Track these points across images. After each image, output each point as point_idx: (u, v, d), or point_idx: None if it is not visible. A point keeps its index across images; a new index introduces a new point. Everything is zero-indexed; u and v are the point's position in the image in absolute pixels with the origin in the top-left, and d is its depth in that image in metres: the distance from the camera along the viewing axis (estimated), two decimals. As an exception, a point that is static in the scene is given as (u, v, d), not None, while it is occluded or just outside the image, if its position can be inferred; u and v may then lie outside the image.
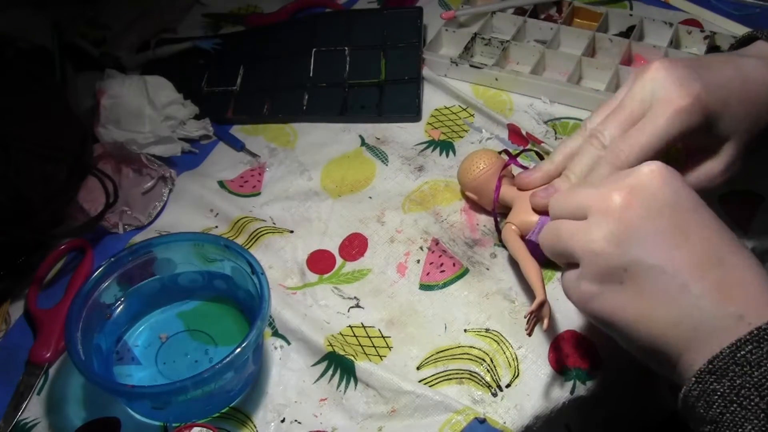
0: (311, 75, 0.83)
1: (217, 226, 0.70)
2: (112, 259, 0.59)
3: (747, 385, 0.41)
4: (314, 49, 0.85)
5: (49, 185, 0.67)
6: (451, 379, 0.57)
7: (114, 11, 0.91)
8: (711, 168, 0.59)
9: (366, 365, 0.58)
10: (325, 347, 0.59)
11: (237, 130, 0.80)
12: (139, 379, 0.59)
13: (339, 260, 0.66)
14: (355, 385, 0.58)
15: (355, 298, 0.63)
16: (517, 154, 0.67)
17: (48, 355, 0.61)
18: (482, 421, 0.54)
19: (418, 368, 0.58)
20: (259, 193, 0.73)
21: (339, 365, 0.59)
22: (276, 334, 0.62)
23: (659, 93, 0.56)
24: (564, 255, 0.50)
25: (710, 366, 0.42)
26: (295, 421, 0.57)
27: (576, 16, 0.86)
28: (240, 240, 0.68)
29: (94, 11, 0.90)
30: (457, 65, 0.80)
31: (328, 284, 0.65)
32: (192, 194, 0.73)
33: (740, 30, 0.83)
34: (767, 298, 0.43)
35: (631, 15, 0.84)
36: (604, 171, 0.57)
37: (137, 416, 0.57)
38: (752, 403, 0.41)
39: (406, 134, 0.77)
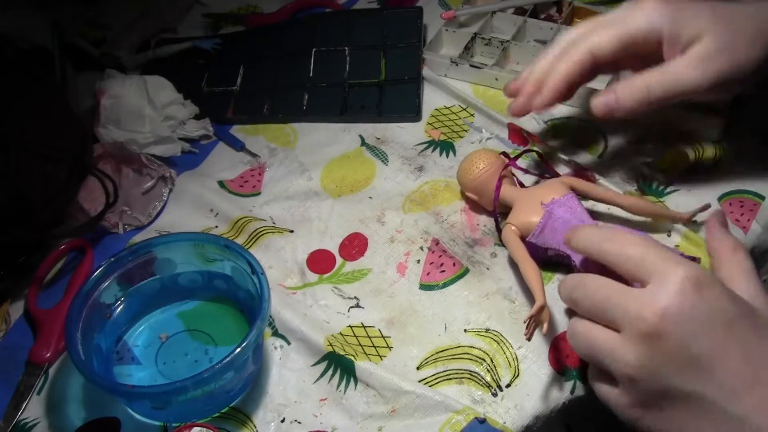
0: (311, 75, 0.83)
1: (217, 226, 0.70)
2: (112, 259, 0.59)
3: None
4: (314, 49, 0.85)
5: (49, 185, 0.67)
6: (451, 379, 0.57)
7: (114, 11, 0.91)
8: (678, 65, 0.57)
9: (366, 365, 0.58)
10: (325, 347, 0.59)
11: (237, 130, 0.80)
12: (139, 379, 0.59)
13: (339, 260, 0.66)
14: (355, 385, 0.58)
15: (355, 297, 0.63)
16: (517, 156, 0.67)
17: (48, 355, 0.61)
18: (482, 421, 0.54)
19: (418, 368, 0.58)
20: (259, 193, 0.73)
21: (339, 365, 0.59)
22: (276, 334, 0.62)
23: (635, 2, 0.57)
24: (600, 367, 0.49)
25: None
26: (295, 421, 0.57)
27: (576, 16, 0.86)
28: (240, 240, 0.68)
29: (94, 11, 0.90)
30: (457, 65, 0.80)
31: (328, 284, 0.65)
32: (192, 194, 0.73)
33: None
34: None
35: (631, 15, 0.84)
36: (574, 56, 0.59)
37: (137, 416, 0.57)
38: None
39: (406, 134, 0.77)
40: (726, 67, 0.56)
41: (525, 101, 0.64)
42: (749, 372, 0.44)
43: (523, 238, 0.61)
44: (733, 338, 0.44)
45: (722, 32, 0.56)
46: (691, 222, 0.64)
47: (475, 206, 0.68)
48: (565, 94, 0.62)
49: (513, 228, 0.61)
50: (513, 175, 0.67)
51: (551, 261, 0.62)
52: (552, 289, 0.61)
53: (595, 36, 0.58)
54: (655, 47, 0.58)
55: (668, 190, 0.68)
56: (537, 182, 0.69)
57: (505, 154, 0.66)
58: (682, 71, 0.57)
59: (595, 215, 0.65)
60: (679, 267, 0.45)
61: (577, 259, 0.58)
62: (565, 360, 0.58)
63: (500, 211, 0.65)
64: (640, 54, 0.59)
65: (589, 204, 0.65)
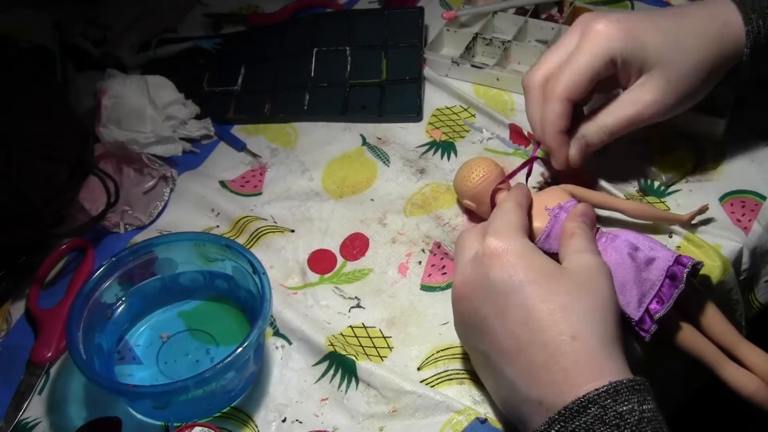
0: (312, 75, 0.83)
1: (218, 226, 0.70)
2: (113, 258, 0.59)
3: None
4: (315, 49, 0.85)
5: (50, 185, 0.67)
6: (452, 379, 0.57)
7: (115, 11, 0.91)
8: (634, 96, 0.62)
9: (367, 365, 0.58)
10: (326, 347, 0.59)
11: (238, 130, 0.80)
12: (141, 379, 0.59)
13: (340, 260, 0.66)
14: (356, 385, 0.58)
15: (356, 298, 0.63)
16: (515, 172, 0.65)
17: (49, 354, 0.61)
18: (483, 422, 0.54)
19: (419, 368, 0.58)
20: (260, 193, 0.73)
21: (340, 365, 0.59)
22: (277, 333, 0.62)
23: (585, 29, 0.62)
24: None
25: None
26: (297, 420, 0.57)
27: (577, 16, 0.86)
28: (241, 239, 0.68)
29: (95, 11, 0.90)
30: (458, 65, 0.80)
31: (329, 284, 0.65)
32: (193, 194, 0.73)
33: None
34: (566, 383, 0.46)
35: (632, 15, 0.84)
36: (543, 112, 0.63)
37: (138, 416, 0.57)
38: None
39: (407, 134, 0.77)
40: (672, 99, 0.61)
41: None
42: (525, 337, 0.48)
43: None
44: (517, 304, 0.48)
45: (668, 63, 0.61)
46: (690, 224, 0.64)
47: (474, 214, 0.68)
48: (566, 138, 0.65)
49: None
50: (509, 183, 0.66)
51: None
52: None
53: (564, 80, 0.62)
54: (614, 71, 0.62)
55: (669, 190, 0.68)
56: (538, 189, 0.69)
57: (508, 175, 0.66)
58: (631, 108, 0.62)
59: (596, 219, 0.65)
60: (485, 240, 0.51)
61: None
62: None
63: None
64: (607, 76, 0.63)
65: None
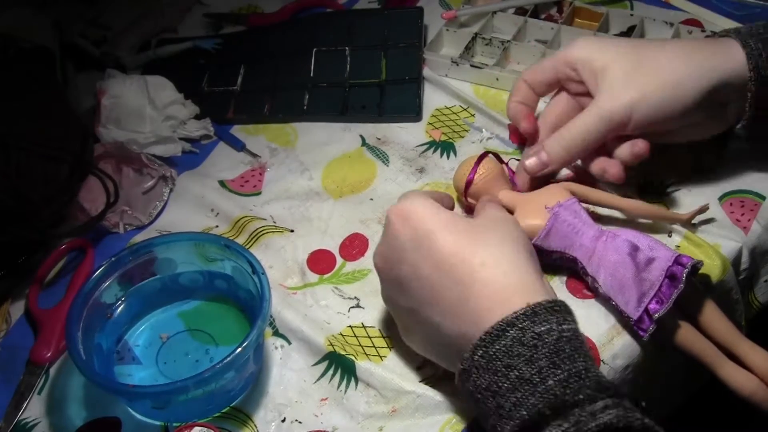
0: (312, 75, 0.83)
1: (217, 226, 0.70)
2: (113, 258, 0.59)
3: (482, 385, 0.46)
4: (315, 49, 0.85)
5: (50, 185, 0.67)
6: (451, 379, 0.57)
7: (115, 11, 0.91)
8: (594, 104, 0.62)
9: (366, 365, 0.58)
10: (326, 347, 0.59)
11: (237, 130, 0.80)
12: (140, 379, 0.59)
13: (339, 260, 0.66)
14: (356, 384, 0.58)
15: (355, 298, 0.63)
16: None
17: (49, 354, 0.61)
18: (483, 421, 0.54)
19: (418, 368, 0.58)
20: (259, 193, 0.73)
21: (339, 365, 0.59)
22: (277, 333, 0.62)
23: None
24: None
25: (461, 367, 0.47)
26: (296, 420, 0.57)
27: (577, 16, 0.86)
28: (240, 239, 0.68)
29: (95, 11, 0.90)
30: (457, 65, 0.80)
31: (328, 284, 0.65)
32: (192, 194, 0.73)
33: (741, 30, 0.83)
34: (483, 309, 0.47)
35: (631, 15, 0.84)
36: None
37: (138, 416, 0.57)
38: (488, 401, 0.46)
39: (406, 134, 0.77)
40: (636, 96, 0.60)
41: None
42: (438, 278, 0.49)
43: None
44: (426, 254, 0.50)
45: (628, 63, 0.61)
46: (689, 223, 0.64)
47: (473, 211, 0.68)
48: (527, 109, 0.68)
49: None
50: (509, 179, 0.66)
51: (555, 264, 0.62)
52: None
53: (530, 72, 0.67)
54: (575, 75, 0.64)
55: (669, 189, 0.68)
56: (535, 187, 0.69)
57: (498, 157, 0.66)
58: (591, 110, 0.62)
59: (596, 217, 0.65)
60: (398, 203, 0.53)
61: (583, 262, 0.58)
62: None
63: None
64: (569, 80, 0.65)
65: (589, 205, 0.65)
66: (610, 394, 0.43)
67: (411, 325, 0.54)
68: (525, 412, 0.43)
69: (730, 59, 0.60)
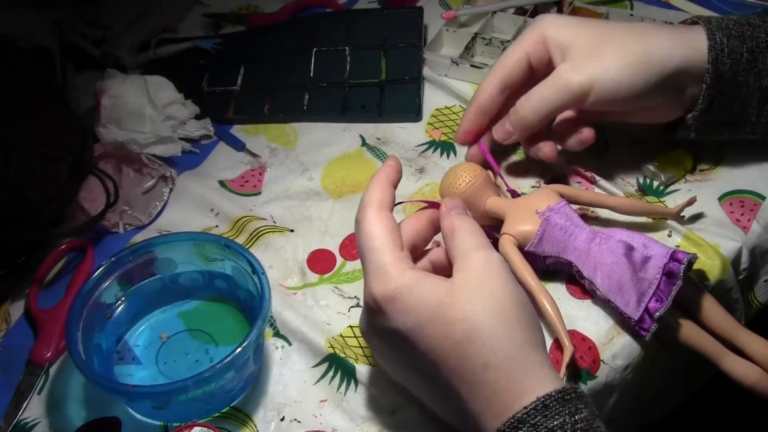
0: (312, 75, 0.83)
1: (217, 226, 0.70)
2: (113, 258, 0.59)
3: None
4: (315, 49, 0.85)
5: (50, 185, 0.67)
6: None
7: (114, 11, 0.91)
8: (555, 74, 0.62)
9: (367, 368, 0.58)
10: (326, 349, 0.59)
11: (237, 130, 0.80)
12: (140, 379, 0.59)
13: (339, 260, 0.66)
14: (356, 387, 0.58)
15: (355, 297, 0.63)
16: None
17: (48, 354, 0.61)
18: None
19: (418, 368, 0.58)
20: (259, 193, 0.73)
21: (340, 367, 0.59)
22: (277, 334, 0.62)
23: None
24: None
25: None
26: (295, 420, 0.57)
27: (577, 16, 0.86)
28: (240, 239, 0.68)
29: (95, 11, 0.90)
30: (457, 65, 0.80)
31: (328, 284, 0.65)
32: (192, 194, 0.73)
33: (741, 30, 0.83)
34: (491, 413, 0.45)
35: (631, 15, 0.84)
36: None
37: (138, 416, 0.57)
38: None
39: (406, 134, 0.77)
40: (596, 66, 0.60)
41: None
42: (437, 375, 0.47)
43: (520, 248, 0.60)
44: (420, 349, 0.47)
45: (591, 38, 0.61)
46: (680, 216, 0.64)
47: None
48: (482, 120, 0.67)
49: (511, 238, 0.59)
50: (497, 186, 0.66)
51: (549, 269, 0.61)
52: (553, 287, 0.61)
53: (505, 71, 0.65)
54: (546, 53, 0.63)
55: (669, 189, 0.68)
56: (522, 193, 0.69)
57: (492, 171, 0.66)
58: (550, 80, 0.61)
59: (591, 218, 0.65)
60: (367, 293, 0.49)
61: (578, 265, 0.58)
62: (565, 360, 0.57)
63: (490, 224, 0.63)
64: (543, 59, 0.63)
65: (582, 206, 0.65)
66: None
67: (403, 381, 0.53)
68: None
69: (694, 48, 0.60)
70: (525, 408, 0.43)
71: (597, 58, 0.60)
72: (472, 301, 0.46)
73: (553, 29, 0.62)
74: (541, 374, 0.45)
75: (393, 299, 0.47)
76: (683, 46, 0.60)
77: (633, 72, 0.60)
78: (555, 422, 0.43)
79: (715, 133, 0.65)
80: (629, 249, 0.56)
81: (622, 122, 0.66)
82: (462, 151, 0.74)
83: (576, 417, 0.43)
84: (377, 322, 0.49)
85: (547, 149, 0.65)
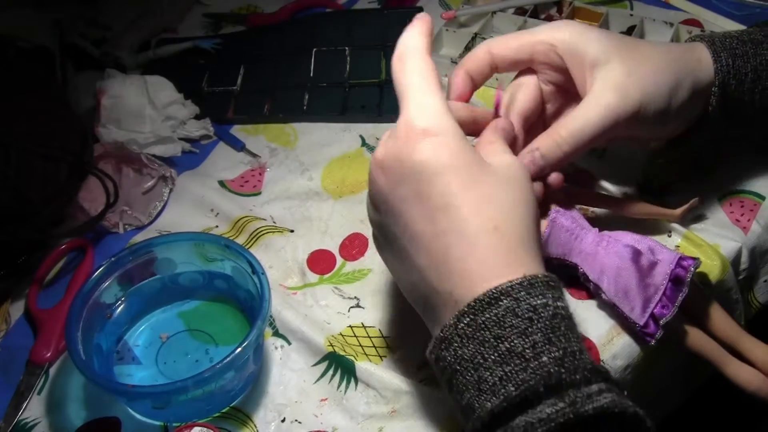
0: (312, 75, 0.83)
1: (217, 226, 0.70)
2: (113, 258, 0.59)
3: (465, 356, 0.43)
4: (315, 49, 0.85)
5: (50, 185, 0.67)
6: (451, 379, 0.57)
7: (114, 11, 0.91)
8: (593, 99, 0.56)
9: (366, 365, 0.58)
10: (326, 347, 0.59)
11: (237, 130, 0.80)
12: (140, 379, 0.59)
13: (339, 260, 0.66)
14: (356, 385, 0.58)
15: (355, 298, 0.64)
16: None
17: (48, 354, 0.61)
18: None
19: (418, 368, 0.58)
20: (259, 193, 0.73)
21: (339, 365, 0.59)
22: (276, 334, 0.62)
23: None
24: None
25: (440, 335, 0.44)
26: (296, 420, 0.57)
27: (576, 16, 0.86)
28: (240, 240, 0.68)
29: (95, 11, 0.90)
30: (457, 65, 0.80)
31: (328, 284, 0.65)
32: (192, 194, 0.73)
33: (741, 30, 0.83)
34: (481, 273, 0.43)
35: (631, 15, 0.84)
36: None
37: (138, 416, 0.57)
38: (469, 374, 0.43)
39: (406, 134, 0.77)
40: (640, 93, 0.55)
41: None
42: (442, 222, 0.45)
43: None
44: (437, 189, 0.45)
45: (628, 57, 0.56)
46: (682, 218, 0.64)
47: None
48: (469, 86, 0.60)
49: None
50: None
51: (555, 271, 0.61)
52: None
53: (500, 44, 0.58)
54: (557, 60, 0.57)
55: (669, 190, 0.68)
56: None
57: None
58: (596, 106, 0.55)
59: (594, 219, 0.65)
60: (409, 116, 0.47)
61: (584, 268, 0.58)
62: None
63: None
64: (547, 64, 0.58)
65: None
66: (605, 378, 0.42)
67: (388, 247, 0.50)
68: (513, 388, 0.41)
69: (701, 69, 0.59)
70: (510, 282, 0.43)
71: (640, 84, 0.55)
72: (500, 177, 0.46)
73: (573, 39, 0.56)
74: (533, 262, 0.45)
75: (434, 131, 0.46)
76: (694, 68, 0.58)
77: (670, 96, 0.56)
78: (538, 301, 0.42)
79: (718, 150, 0.65)
80: (636, 254, 0.56)
81: (625, 141, 0.63)
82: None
83: (558, 303, 0.43)
84: (409, 146, 0.46)
85: (552, 177, 0.57)
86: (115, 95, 0.76)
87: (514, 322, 0.42)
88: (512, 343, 0.42)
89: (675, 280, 0.54)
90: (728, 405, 0.70)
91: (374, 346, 0.60)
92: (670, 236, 0.64)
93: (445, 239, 0.45)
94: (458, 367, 0.43)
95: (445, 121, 0.46)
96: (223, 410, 0.57)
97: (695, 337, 0.57)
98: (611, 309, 0.59)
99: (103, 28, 0.89)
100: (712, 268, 0.62)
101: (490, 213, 0.45)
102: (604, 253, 0.57)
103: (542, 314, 0.42)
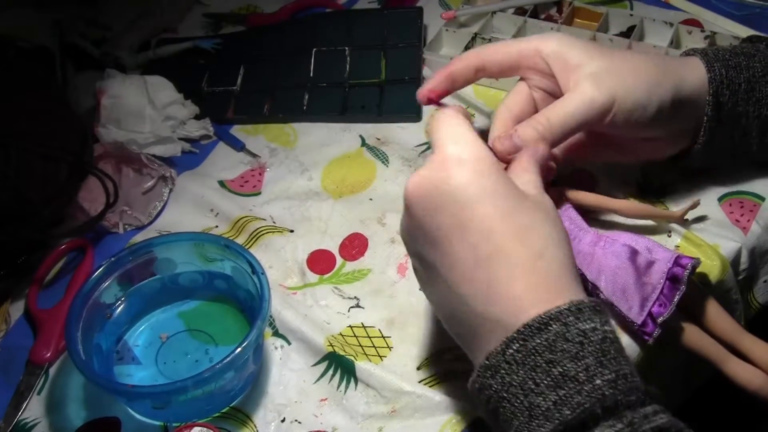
0: (311, 75, 0.83)
1: (217, 226, 0.70)
2: (113, 258, 0.59)
3: (514, 383, 0.43)
4: (314, 49, 0.85)
5: (50, 185, 0.67)
6: (451, 379, 0.57)
7: (114, 11, 0.91)
8: (577, 90, 0.58)
9: (366, 365, 0.58)
10: (326, 347, 0.59)
11: (237, 130, 0.80)
12: (140, 379, 0.59)
13: (339, 260, 0.66)
14: (356, 385, 0.58)
15: (355, 298, 0.64)
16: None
17: (48, 354, 0.61)
18: (483, 421, 0.54)
19: (418, 368, 0.58)
20: (259, 193, 0.73)
21: (339, 365, 0.59)
22: (276, 334, 0.62)
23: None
24: None
25: (486, 362, 0.44)
26: (296, 420, 0.57)
27: (576, 16, 0.86)
28: (240, 240, 0.68)
29: (95, 11, 0.90)
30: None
31: (328, 284, 0.65)
32: (192, 194, 0.73)
33: (740, 30, 0.83)
34: (529, 299, 0.44)
35: (631, 15, 0.84)
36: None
37: (137, 416, 0.57)
38: (518, 401, 0.42)
39: (406, 134, 0.77)
40: (617, 85, 0.57)
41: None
42: (483, 252, 0.45)
43: None
44: (478, 217, 0.45)
45: (609, 58, 0.58)
46: (683, 219, 0.64)
47: None
48: (447, 85, 0.62)
49: None
50: None
51: None
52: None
53: (490, 50, 0.61)
54: (543, 65, 0.59)
55: (669, 190, 0.68)
56: None
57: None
58: (574, 95, 0.57)
59: (592, 220, 0.65)
60: (443, 145, 0.47)
61: (582, 269, 0.58)
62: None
63: None
64: (533, 69, 0.60)
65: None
66: (656, 399, 0.42)
67: (427, 277, 0.50)
68: (568, 412, 0.41)
69: (695, 78, 0.60)
70: (558, 308, 0.43)
71: (616, 79, 0.58)
72: (538, 207, 0.47)
73: (560, 48, 0.59)
74: (576, 288, 0.45)
75: (472, 158, 0.46)
76: (679, 71, 0.60)
77: (650, 95, 0.58)
78: (587, 326, 0.43)
79: (716, 163, 0.66)
80: (633, 253, 0.56)
81: (623, 160, 0.66)
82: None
83: (606, 328, 0.43)
84: (445, 173, 0.46)
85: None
86: (115, 95, 0.76)
87: (565, 346, 0.42)
88: (565, 367, 0.42)
89: (672, 279, 0.55)
90: (728, 405, 0.70)
91: (374, 346, 0.60)
92: (669, 236, 0.64)
93: (488, 265, 0.45)
94: (506, 395, 0.43)
95: (478, 147, 0.47)
96: (223, 410, 0.57)
97: (695, 336, 0.57)
98: (609, 308, 0.59)
99: (103, 28, 0.89)
100: (711, 268, 0.62)
101: (533, 240, 0.45)
102: (601, 253, 0.57)
103: (592, 338, 0.43)
